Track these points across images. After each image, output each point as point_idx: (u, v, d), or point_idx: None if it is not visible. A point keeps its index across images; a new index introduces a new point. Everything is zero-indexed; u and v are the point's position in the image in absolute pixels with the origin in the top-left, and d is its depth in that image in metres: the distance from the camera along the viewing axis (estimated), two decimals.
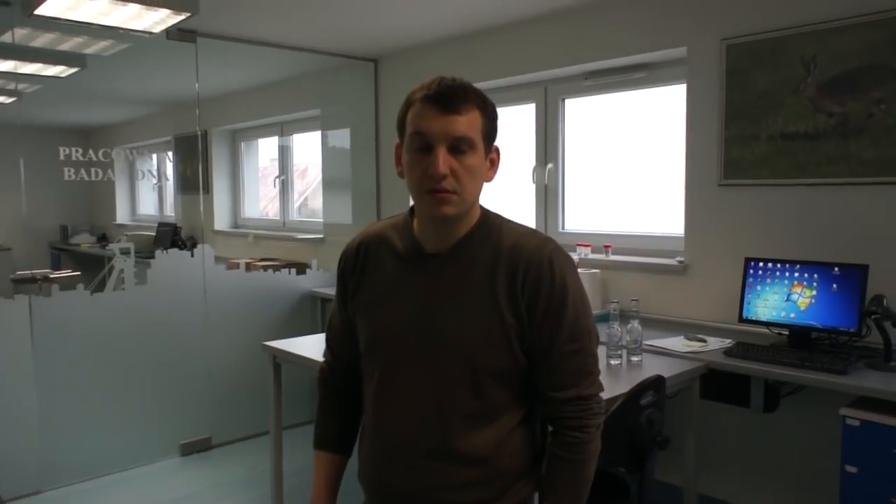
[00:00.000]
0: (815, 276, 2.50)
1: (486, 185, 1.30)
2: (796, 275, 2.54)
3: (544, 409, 1.31)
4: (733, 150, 2.85)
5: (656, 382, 2.08)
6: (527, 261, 1.24)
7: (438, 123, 1.19)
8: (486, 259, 1.26)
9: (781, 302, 2.56)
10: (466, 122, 1.20)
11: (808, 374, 2.23)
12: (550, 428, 1.32)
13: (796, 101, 2.66)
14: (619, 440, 1.98)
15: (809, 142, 2.64)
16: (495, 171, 1.32)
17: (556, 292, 1.24)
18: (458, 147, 1.20)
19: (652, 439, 2.02)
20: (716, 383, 2.50)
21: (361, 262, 1.35)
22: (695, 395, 2.47)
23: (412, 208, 1.33)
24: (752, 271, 2.65)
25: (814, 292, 2.49)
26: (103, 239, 7.23)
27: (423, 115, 1.20)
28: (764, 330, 2.64)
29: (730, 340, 2.63)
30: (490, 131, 1.26)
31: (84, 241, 7.19)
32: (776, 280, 2.58)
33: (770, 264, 2.61)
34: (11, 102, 5.50)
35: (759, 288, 2.62)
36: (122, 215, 7.40)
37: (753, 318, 2.63)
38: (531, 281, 1.24)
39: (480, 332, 1.23)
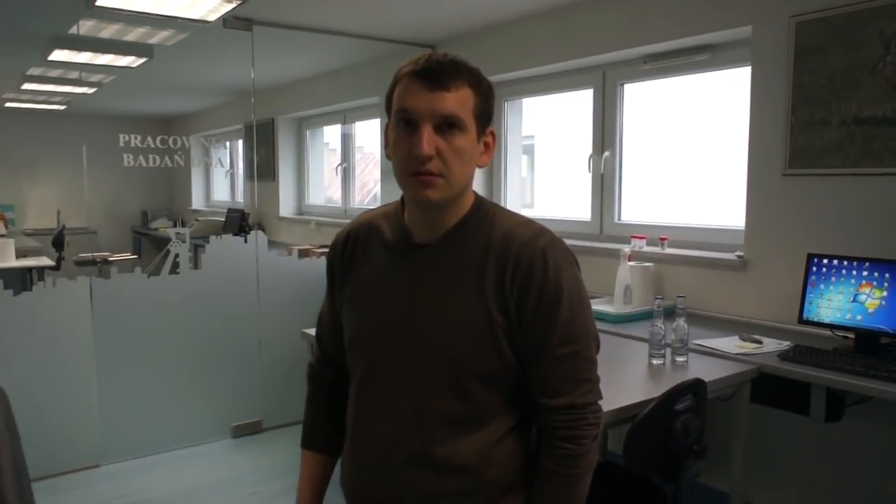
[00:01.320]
0: (887, 275, 2.26)
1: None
2: (865, 273, 2.31)
3: (537, 417, 1.21)
4: (800, 137, 2.62)
5: (695, 386, 1.93)
6: (517, 253, 1.15)
7: (425, 100, 1.11)
8: (475, 251, 1.17)
9: (847, 303, 2.34)
10: (455, 100, 1.12)
11: (873, 383, 2.02)
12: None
13: (873, 82, 2.42)
14: (651, 446, 1.86)
15: (886, 127, 2.39)
16: (490, 156, 1.22)
17: (549, 289, 1.14)
18: (446, 126, 1.12)
19: (688, 447, 1.88)
20: (774, 388, 2.31)
21: (350, 251, 1.28)
22: (744, 399, 2.29)
23: (403, 196, 1.25)
24: (815, 269, 2.44)
25: (884, 293, 2.26)
26: (180, 223, 7.54)
27: (409, 91, 1.12)
28: (826, 332, 2.43)
29: (788, 342, 2.43)
30: (484, 112, 1.17)
31: (161, 226, 7.51)
32: (842, 279, 2.36)
33: (836, 261, 2.39)
34: (93, 92, 5.78)
35: (822, 287, 2.41)
36: (197, 201, 7.69)
37: (815, 320, 2.42)
38: (521, 275, 1.14)
39: (466, 329, 1.14)
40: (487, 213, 1.22)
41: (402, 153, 1.13)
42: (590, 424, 1.16)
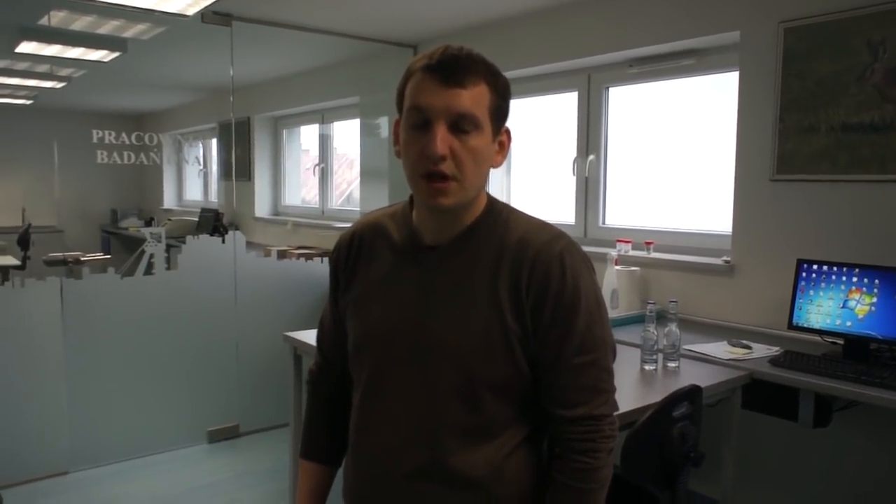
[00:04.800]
0: (876, 281, 2.28)
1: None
2: (854, 279, 2.32)
3: (550, 429, 1.16)
4: (788, 142, 2.63)
5: (692, 393, 1.91)
6: (534, 258, 1.10)
7: (439, 97, 1.05)
8: (489, 254, 1.12)
9: (837, 309, 2.35)
10: (471, 98, 1.06)
11: (863, 389, 2.03)
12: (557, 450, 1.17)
13: (860, 89, 2.43)
14: (648, 454, 1.83)
15: (874, 134, 2.41)
16: (504, 156, 1.17)
17: (567, 295, 1.09)
18: (461, 125, 1.06)
19: (685, 455, 1.85)
20: (761, 394, 2.31)
21: (355, 254, 1.22)
22: (736, 405, 2.28)
23: (413, 196, 1.19)
24: (804, 274, 2.44)
25: (874, 299, 2.27)
26: (151, 223, 7.35)
27: (423, 87, 1.06)
28: (816, 338, 2.43)
29: (777, 348, 2.43)
30: (500, 110, 1.11)
31: (132, 225, 7.31)
32: (832, 285, 2.37)
33: (825, 267, 2.40)
34: (62, 87, 5.61)
35: (811, 293, 2.41)
36: (168, 200, 7.51)
37: (805, 326, 2.43)
38: (538, 281, 1.09)
39: (479, 337, 1.09)
40: (501, 214, 1.16)
41: (413, 153, 1.08)
42: (606, 437, 1.11)
